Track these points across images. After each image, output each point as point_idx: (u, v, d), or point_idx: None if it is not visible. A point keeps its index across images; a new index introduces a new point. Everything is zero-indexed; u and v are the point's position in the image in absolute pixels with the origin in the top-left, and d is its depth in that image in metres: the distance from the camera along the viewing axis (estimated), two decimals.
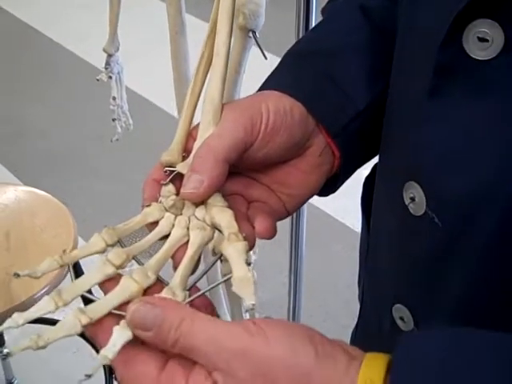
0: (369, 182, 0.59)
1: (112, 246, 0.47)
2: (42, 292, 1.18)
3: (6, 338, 1.70)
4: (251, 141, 0.48)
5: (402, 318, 0.50)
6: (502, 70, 0.39)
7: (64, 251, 0.47)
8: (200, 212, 0.49)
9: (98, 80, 1.17)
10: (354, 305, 0.66)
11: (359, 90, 0.53)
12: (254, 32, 0.87)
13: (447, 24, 0.40)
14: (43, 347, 0.42)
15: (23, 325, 0.43)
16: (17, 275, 0.45)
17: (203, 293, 0.47)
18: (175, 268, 0.48)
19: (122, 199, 2.35)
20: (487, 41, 0.39)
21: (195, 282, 0.48)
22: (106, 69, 1.10)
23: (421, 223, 0.44)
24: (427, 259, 0.45)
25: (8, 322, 0.42)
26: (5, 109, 2.87)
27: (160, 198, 0.50)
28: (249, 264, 0.45)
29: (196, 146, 0.49)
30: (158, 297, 0.44)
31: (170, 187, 0.50)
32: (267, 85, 0.53)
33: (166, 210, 0.49)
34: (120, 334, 0.41)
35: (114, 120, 1.19)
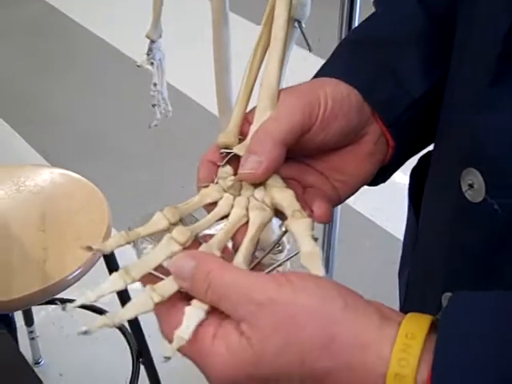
0: (416, 173, 0.59)
1: (174, 224, 0.48)
2: (75, 274, 1.19)
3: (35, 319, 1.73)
4: (309, 125, 0.48)
5: None
6: None
7: (129, 228, 0.48)
8: (259, 193, 0.50)
9: (138, 66, 1.18)
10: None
11: (415, 80, 0.53)
12: (299, 22, 0.87)
13: None
14: (119, 324, 0.43)
15: (95, 301, 0.44)
16: (89, 248, 0.46)
17: (268, 272, 0.47)
18: (235, 248, 0.48)
19: (151, 188, 2.37)
20: None
21: (258, 262, 0.48)
22: (148, 55, 1.11)
23: (478, 210, 0.44)
24: (481, 247, 0.45)
25: (81, 299, 0.44)
26: (37, 93, 2.90)
27: (217, 179, 0.50)
28: (315, 239, 0.45)
29: (252, 129, 0.50)
30: (196, 251, 0.45)
31: (228, 168, 0.50)
32: (323, 72, 0.53)
33: (225, 191, 0.50)
34: (193, 314, 0.42)
35: (153, 106, 1.19)
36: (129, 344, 1.54)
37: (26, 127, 2.68)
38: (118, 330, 1.58)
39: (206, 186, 0.50)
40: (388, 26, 0.55)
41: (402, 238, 0.65)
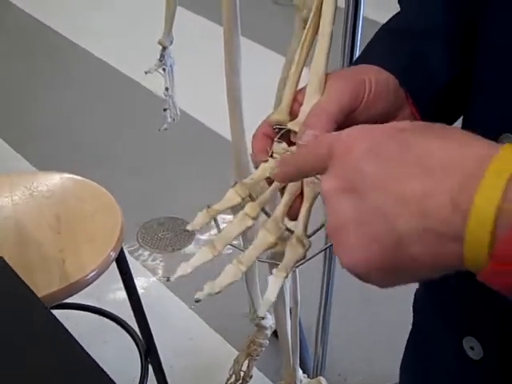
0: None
1: (244, 199, 0.53)
2: (93, 274, 1.23)
3: None
4: (355, 106, 0.54)
5: None
6: None
7: (208, 206, 0.54)
8: None
9: (146, 73, 1.23)
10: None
11: (442, 70, 0.59)
12: None
13: None
14: (219, 292, 0.51)
15: (191, 272, 0.52)
16: (186, 231, 0.52)
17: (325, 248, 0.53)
18: (291, 217, 0.54)
19: (151, 197, 2.41)
20: None
21: (315, 232, 0.54)
22: (160, 61, 1.16)
23: None
24: None
25: (180, 271, 0.52)
26: (33, 104, 2.93)
27: (270, 152, 0.56)
28: None
29: (303, 109, 0.56)
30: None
31: (284, 144, 0.56)
32: (363, 59, 0.59)
33: None
34: (275, 281, 0.49)
35: (165, 110, 1.24)
36: (136, 344, 1.58)
37: (18, 138, 2.71)
38: (125, 331, 1.62)
39: (266, 161, 0.55)
40: (418, 21, 0.62)
41: None
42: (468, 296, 0.60)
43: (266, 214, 0.55)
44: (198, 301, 0.50)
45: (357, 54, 1.26)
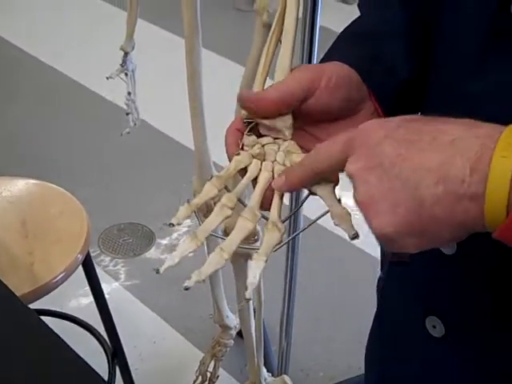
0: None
1: (220, 191, 0.57)
2: (62, 275, 1.24)
3: None
4: (310, 92, 0.58)
5: None
6: None
7: (188, 201, 0.57)
8: (280, 157, 0.59)
9: (107, 79, 1.25)
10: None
11: (401, 66, 0.64)
12: None
13: None
14: (204, 280, 0.53)
15: (179, 262, 0.54)
16: (171, 224, 0.56)
17: (302, 230, 0.57)
18: (263, 207, 0.58)
19: (109, 203, 2.42)
20: None
21: (288, 218, 0.58)
22: (122, 66, 1.18)
23: None
24: None
25: (169, 262, 0.54)
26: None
27: (241, 145, 0.59)
28: (339, 200, 0.55)
29: None
30: None
31: (254, 137, 0.59)
32: (329, 56, 0.64)
33: (253, 157, 0.59)
34: (257, 265, 0.53)
35: (127, 114, 1.27)
36: (104, 348, 1.59)
37: None
38: (91, 336, 1.63)
39: (238, 154, 0.59)
40: (377, 23, 0.67)
41: None
42: (430, 276, 0.65)
43: (242, 203, 0.59)
44: (187, 288, 0.52)
45: (315, 60, 1.31)
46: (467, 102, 0.55)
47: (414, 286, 0.68)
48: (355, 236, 0.53)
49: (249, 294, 0.52)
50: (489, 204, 0.44)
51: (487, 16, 0.52)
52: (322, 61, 0.64)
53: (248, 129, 0.60)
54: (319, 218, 0.58)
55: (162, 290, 2.11)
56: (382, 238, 0.49)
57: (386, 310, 0.77)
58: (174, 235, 2.34)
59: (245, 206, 0.58)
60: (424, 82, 0.64)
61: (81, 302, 2.05)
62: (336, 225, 0.54)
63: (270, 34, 0.64)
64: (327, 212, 0.56)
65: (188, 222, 2.35)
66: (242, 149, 0.59)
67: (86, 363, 0.75)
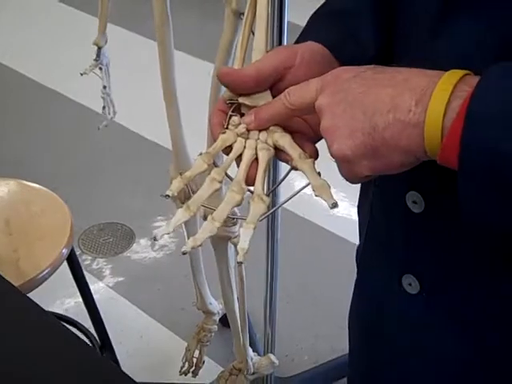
0: None
1: (209, 165, 0.61)
2: (47, 270, 1.27)
3: None
4: (285, 69, 0.63)
5: (414, 202, 0.65)
6: None
7: (181, 173, 0.62)
8: (263, 136, 0.63)
9: (81, 74, 1.28)
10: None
11: (372, 42, 0.68)
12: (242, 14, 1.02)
13: None
14: (200, 245, 0.59)
15: (174, 230, 0.59)
16: (167, 196, 0.61)
17: (285, 202, 0.63)
18: (248, 181, 0.62)
19: (88, 204, 2.44)
20: None
21: (272, 190, 0.62)
22: (96, 61, 1.21)
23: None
24: None
25: (163, 230, 0.58)
26: None
27: (226, 125, 0.63)
28: (319, 173, 0.60)
29: None
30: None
31: (237, 118, 0.63)
32: (302, 37, 0.68)
33: (238, 136, 0.63)
34: (247, 232, 0.58)
35: (103, 108, 1.29)
36: (92, 344, 1.62)
37: None
38: (78, 331, 1.66)
39: (223, 133, 0.63)
40: (344, 3, 0.71)
41: None
42: (403, 235, 0.69)
43: (229, 177, 0.63)
44: (184, 253, 0.57)
45: None
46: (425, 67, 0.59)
47: (389, 248, 0.72)
48: (335, 205, 0.58)
49: (240, 257, 0.57)
50: (427, 129, 0.51)
51: None
52: (297, 42, 0.68)
53: (231, 109, 0.64)
54: (301, 189, 0.63)
55: (144, 287, 2.14)
56: (340, 160, 0.56)
57: (364, 276, 0.81)
58: (154, 233, 2.36)
59: (231, 179, 0.62)
60: (389, 59, 0.68)
61: (66, 301, 2.07)
62: (316, 195, 0.60)
63: (244, 19, 0.69)
64: (308, 184, 0.61)
65: (167, 220, 2.38)
66: (227, 128, 0.63)
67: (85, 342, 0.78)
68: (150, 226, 2.38)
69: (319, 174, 0.60)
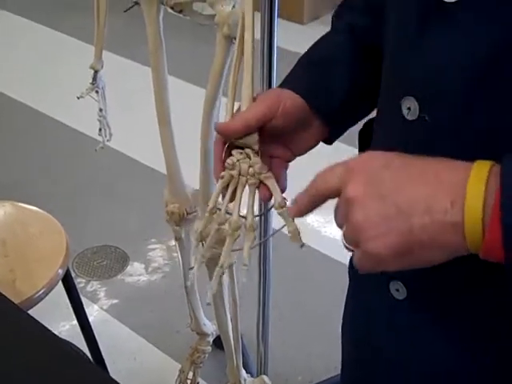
0: (362, 131, 0.80)
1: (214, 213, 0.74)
2: (43, 290, 1.29)
3: None
4: (269, 117, 0.73)
5: None
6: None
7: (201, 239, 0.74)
8: (252, 176, 0.73)
9: (78, 98, 1.31)
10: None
11: (342, 88, 0.78)
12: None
13: None
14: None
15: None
16: (208, 304, 0.76)
17: (271, 236, 0.70)
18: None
19: (81, 228, 2.45)
20: None
21: (258, 215, 0.66)
22: (92, 84, 1.25)
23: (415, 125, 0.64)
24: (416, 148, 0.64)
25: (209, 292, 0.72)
26: None
27: (226, 169, 0.73)
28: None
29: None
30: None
31: (232, 159, 0.73)
32: (284, 82, 0.79)
33: (232, 177, 0.73)
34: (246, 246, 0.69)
35: (100, 130, 1.33)
36: None
37: None
38: None
39: (222, 177, 0.73)
40: (326, 50, 0.81)
41: None
42: None
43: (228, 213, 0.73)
44: (209, 304, 0.74)
45: (274, 78, 1.41)
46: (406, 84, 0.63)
47: None
48: (303, 246, 0.69)
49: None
50: (467, 228, 0.53)
51: None
52: (281, 85, 0.78)
53: (227, 146, 0.74)
54: (280, 229, 0.75)
55: (138, 309, 2.15)
56: (373, 258, 0.57)
57: (355, 284, 0.84)
58: (148, 255, 2.38)
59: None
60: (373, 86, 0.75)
61: (60, 324, 2.08)
62: (290, 237, 0.70)
63: (234, 61, 0.77)
64: (283, 226, 0.71)
65: (161, 243, 2.41)
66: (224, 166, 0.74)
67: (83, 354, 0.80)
68: (144, 249, 2.40)
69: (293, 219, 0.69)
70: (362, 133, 0.80)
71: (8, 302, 0.90)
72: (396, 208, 0.55)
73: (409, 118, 0.64)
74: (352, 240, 0.59)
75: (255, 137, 0.73)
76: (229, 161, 0.73)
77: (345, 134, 0.83)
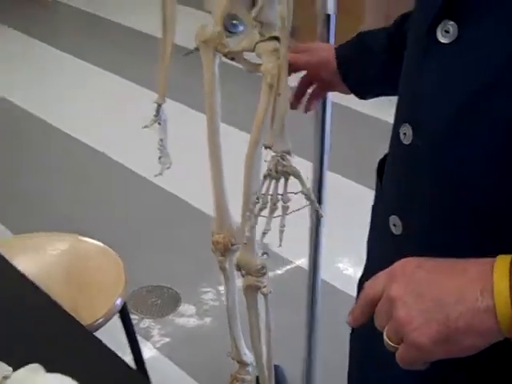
0: (379, 167, 0.90)
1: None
2: (103, 319, 1.36)
3: None
4: (318, 69, 1.18)
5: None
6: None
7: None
8: None
9: (142, 128, 1.41)
10: None
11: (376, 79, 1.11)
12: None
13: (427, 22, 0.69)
14: None
15: None
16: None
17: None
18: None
19: (136, 268, 2.53)
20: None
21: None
22: (155, 116, 1.37)
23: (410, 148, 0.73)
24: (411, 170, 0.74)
25: None
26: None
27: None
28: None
29: None
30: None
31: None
32: (339, 48, 1.18)
33: None
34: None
35: (160, 158, 1.43)
36: None
37: None
38: None
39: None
40: (375, 40, 1.11)
41: None
42: (395, 184, 0.80)
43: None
44: None
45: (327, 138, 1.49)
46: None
47: (385, 196, 0.84)
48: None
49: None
50: (498, 311, 0.59)
51: (424, 27, 0.70)
52: (338, 48, 1.18)
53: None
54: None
55: (190, 349, 2.20)
56: (416, 348, 0.63)
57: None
58: (199, 298, 2.44)
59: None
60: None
61: None
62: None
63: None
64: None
65: (211, 287, 2.46)
66: None
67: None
68: (196, 291, 2.46)
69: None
70: (380, 166, 0.89)
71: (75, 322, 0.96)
72: (432, 302, 0.62)
73: (405, 142, 0.73)
74: (395, 335, 0.64)
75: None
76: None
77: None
